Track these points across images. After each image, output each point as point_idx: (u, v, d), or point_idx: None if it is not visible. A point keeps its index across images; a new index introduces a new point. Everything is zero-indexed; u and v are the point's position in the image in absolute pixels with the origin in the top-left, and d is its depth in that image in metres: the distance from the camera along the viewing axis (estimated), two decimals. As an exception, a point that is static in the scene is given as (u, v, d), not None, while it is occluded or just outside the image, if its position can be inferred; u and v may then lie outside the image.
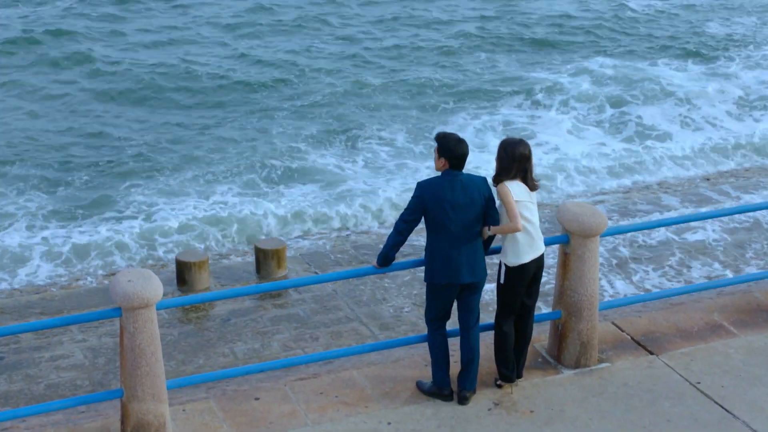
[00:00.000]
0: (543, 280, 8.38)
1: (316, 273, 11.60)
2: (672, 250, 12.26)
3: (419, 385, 8.10)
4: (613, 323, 9.13)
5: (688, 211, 13.54)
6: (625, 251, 12.21)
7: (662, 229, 12.64)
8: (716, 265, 11.91)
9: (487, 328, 8.15)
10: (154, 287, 7.08)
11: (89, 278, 12.21)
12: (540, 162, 15.40)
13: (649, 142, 16.87)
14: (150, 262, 12.65)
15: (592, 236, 8.11)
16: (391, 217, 13.65)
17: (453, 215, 7.49)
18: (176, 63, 20.45)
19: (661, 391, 8.11)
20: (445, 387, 7.94)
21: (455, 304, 7.83)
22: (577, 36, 22.87)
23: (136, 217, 13.73)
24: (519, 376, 8.20)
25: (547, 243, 8.13)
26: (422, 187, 7.59)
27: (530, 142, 8.26)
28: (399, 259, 8.84)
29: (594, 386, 8.19)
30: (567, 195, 14.87)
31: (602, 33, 23.21)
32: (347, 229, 13.69)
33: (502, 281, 7.84)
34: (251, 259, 11.98)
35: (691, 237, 12.60)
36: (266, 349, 9.93)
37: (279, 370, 8.54)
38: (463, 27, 23.37)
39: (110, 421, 7.68)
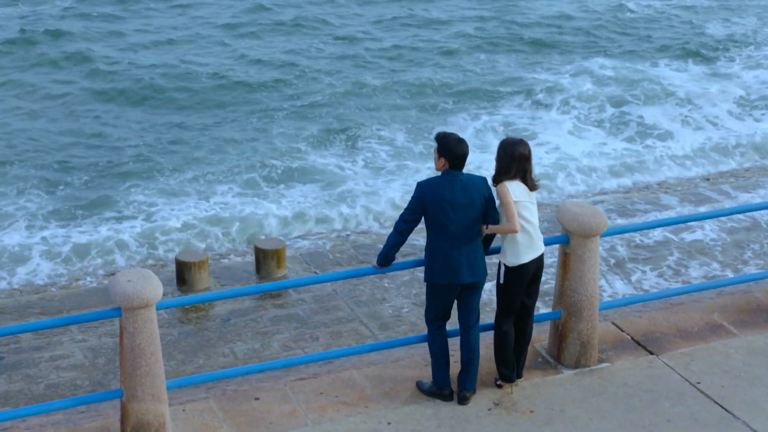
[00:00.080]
0: (542, 279, 8.37)
1: (315, 273, 11.59)
2: (670, 250, 12.27)
3: (419, 385, 8.09)
4: (613, 323, 9.13)
5: (687, 211, 13.55)
6: (622, 251, 12.21)
7: (660, 229, 12.63)
8: (714, 264, 11.91)
9: (487, 328, 8.15)
10: (154, 287, 7.07)
11: (89, 278, 12.21)
12: (540, 162, 15.40)
13: (649, 142, 16.88)
14: (150, 261, 12.64)
15: (592, 236, 8.11)
16: (393, 218, 13.65)
17: (453, 215, 7.49)
18: (176, 63, 20.46)
19: (661, 391, 8.11)
20: (445, 387, 7.94)
21: (455, 304, 7.82)
22: (577, 36, 22.87)
23: (136, 217, 13.73)
24: (519, 376, 8.19)
25: (547, 243, 8.13)
26: (422, 187, 7.58)
27: (531, 143, 8.26)
28: (399, 259, 8.83)
29: (594, 386, 8.18)
30: (567, 195, 14.87)
31: (602, 33, 23.21)
32: (347, 229, 13.69)
33: (501, 281, 7.84)
34: (251, 259, 11.98)
35: (689, 237, 12.60)
36: (266, 349, 9.93)
37: (279, 370, 8.54)
38: (462, 27, 23.38)
39: (110, 421, 7.68)
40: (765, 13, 25.36)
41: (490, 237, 7.84)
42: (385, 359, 8.68)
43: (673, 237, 12.57)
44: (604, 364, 8.48)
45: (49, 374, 9.54)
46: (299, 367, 8.76)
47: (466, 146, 7.58)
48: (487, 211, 7.61)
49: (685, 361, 8.53)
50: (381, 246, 7.99)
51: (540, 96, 18.71)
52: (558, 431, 7.61)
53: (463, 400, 7.91)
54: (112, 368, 9.58)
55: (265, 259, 11.50)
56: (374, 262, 7.83)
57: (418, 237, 11.63)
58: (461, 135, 7.82)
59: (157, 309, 7.23)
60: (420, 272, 10.80)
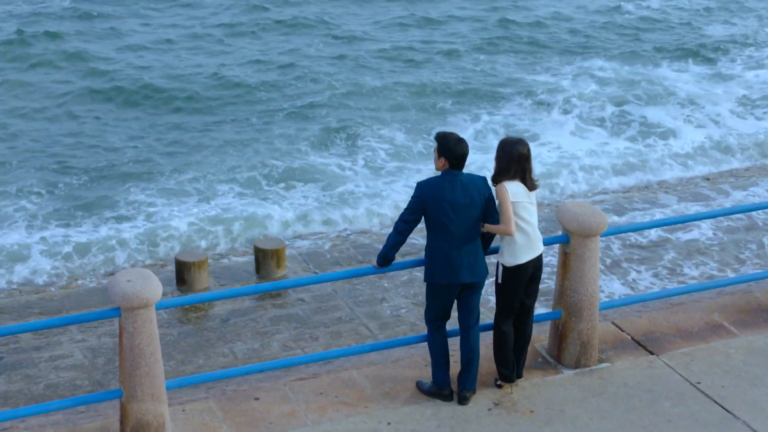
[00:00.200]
0: (542, 278, 8.36)
1: (315, 273, 11.59)
2: (666, 250, 12.26)
3: (419, 385, 8.08)
4: (613, 323, 9.12)
5: (686, 210, 13.54)
6: (618, 251, 12.21)
7: (656, 228, 12.62)
8: (711, 264, 11.91)
9: (486, 328, 8.14)
10: (154, 287, 7.07)
11: (88, 278, 12.20)
12: (542, 161, 15.40)
13: (651, 141, 16.87)
14: (149, 261, 12.64)
15: (593, 236, 8.10)
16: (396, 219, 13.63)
17: (453, 215, 7.48)
18: (176, 64, 20.45)
19: (662, 391, 8.10)
20: (445, 387, 7.93)
21: (455, 304, 7.81)
22: (576, 37, 22.86)
23: (135, 218, 13.73)
24: (519, 376, 8.18)
25: (547, 243, 8.12)
26: (422, 187, 7.57)
27: (532, 143, 8.27)
28: (398, 258, 8.82)
29: (594, 386, 8.17)
30: (568, 194, 14.86)
31: (603, 34, 23.20)
32: (347, 228, 13.68)
33: (499, 281, 7.83)
34: (251, 258, 11.97)
35: (685, 236, 12.60)
36: (266, 349, 9.92)
37: (279, 370, 8.53)
38: (462, 28, 23.37)
39: (110, 422, 7.67)
40: (765, 13, 25.35)
41: (490, 236, 7.83)
42: (385, 359, 8.67)
43: (669, 236, 12.57)
44: (604, 364, 8.47)
45: (49, 374, 9.53)
46: (299, 367, 8.75)
47: (466, 146, 7.57)
48: (486, 210, 7.60)
49: (685, 361, 8.53)
50: (380, 246, 7.98)
51: (541, 96, 18.71)
52: (558, 431, 7.61)
53: (463, 400, 7.90)
54: (112, 368, 9.58)
55: (265, 259, 11.50)
56: (374, 261, 7.83)
57: (418, 237, 11.63)
58: (461, 135, 7.80)
59: (157, 309, 7.22)
60: (419, 272, 10.79)
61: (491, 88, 19.14)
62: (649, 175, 15.66)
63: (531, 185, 7.70)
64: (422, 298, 10.52)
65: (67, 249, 12.75)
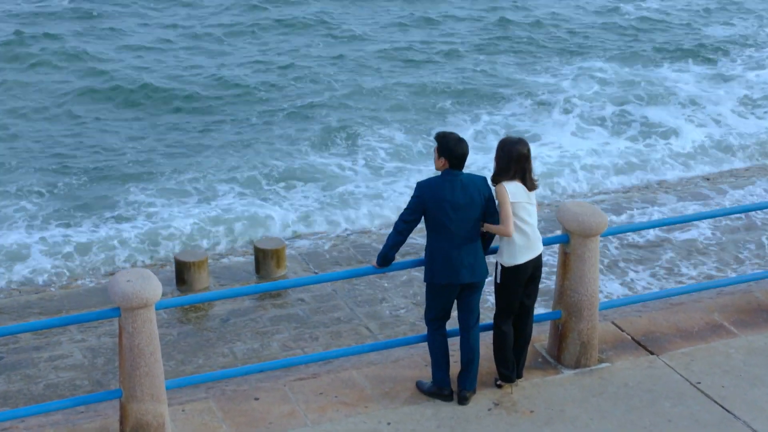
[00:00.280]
0: (542, 278, 8.36)
1: (315, 273, 11.58)
2: (664, 249, 12.26)
3: (419, 385, 8.08)
4: (613, 323, 9.12)
5: (684, 209, 13.54)
6: (615, 251, 12.20)
7: (655, 228, 12.62)
8: (709, 264, 11.90)
9: (486, 328, 8.13)
10: (153, 287, 7.06)
11: (88, 278, 12.20)
12: (543, 161, 15.40)
13: (652, 140, 16.87)
14: (149, 261, 12.63)
15: (593, 236, 8.10)
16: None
17: (453, 215, 7.47)
18: (176, 64, 20.44)
19: (662, 392, 8.10)
20: (445, 387, 7.92)
21: (455, 304, 7.81)
22: (576, 38, 22.85)
23: (135, 218, 13.72)
24: (519, 376, 8.18)
25: (547, 243, 8.12)
26: (422, 187, 7.57)
27: (533, 143, 8.27)
28: (398, 258, 8.82)
29: (594, 386, 8.17)
30: (568, 194, 14.86)
31: (602, 35, 23.20)
32: (347, 229, 13.68)
33: (498, 281, 7.82)
34: (250, 258, 11.97)
35: (684, 236, 12.59)
36: (266, 349, 9.92)
37: (278, 370, 8.52)
38: (462, 28, 23.36)
39: (109, 422, 7.67)
40: (765, 13, 25.35)
41: (490, 236, 7.82)
42: (385, 359, 8.67)
43: (667, 236, 12.56)
44: (604, 364, 8.47)
45: (48, 374, 9.53)
46: (299, 367, 8.75)
47: (466, 146, 7.56)
48: (486, 210, 7.59)
49: (685, 361, 8.52)
50: (380, 246, 7.98)
51: (541, 97, 18.70)
52: (558, 431, 7.60)
53: (463, 400, 7.90)
54: (112, 368, 9.57)
55: (265, 258, 11.49)
56: (374, 261, 7.82)
57: (418, 237, 11.62)
58: (461, 136, 7.80)
59: (157, 309, 7.21)
60: (419, 272, 10.79)
61: (491, 89, 19.14)
62: (650, 174, 15.66)
63: (531, 185, 7.69)
64: (422, 298, 10.52)
65: (67, 249, 12.75)
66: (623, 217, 13.28)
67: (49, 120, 17.50)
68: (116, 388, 7.75)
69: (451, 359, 7.96)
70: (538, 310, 8.74)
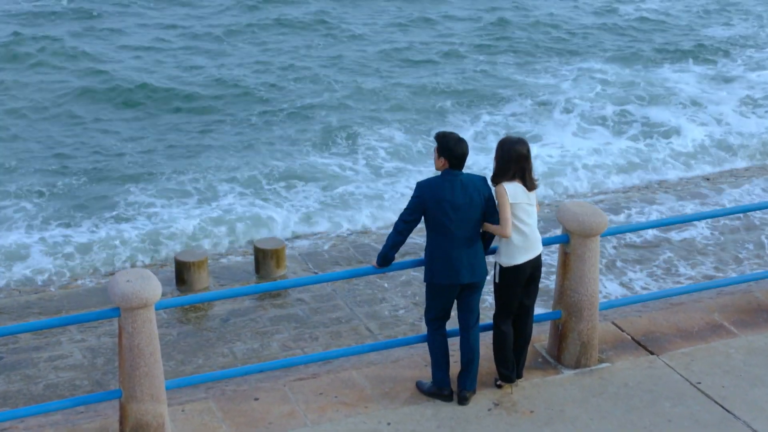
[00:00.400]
0: (542, 278, 8.35)
1: (315, 273, 11.58)
2: (663, 249, 12.25)
3: (419, 386, 8.07)
4: (614, 323, 9.12)
5: (682, 209, 13.54)
6: (613, 250, 12.20)
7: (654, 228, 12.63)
8: (708, 264, 11.90)
9: (486, 328, 8.13)
10: (153, 287, 7.06)
11: (88, 278, 12.20)
12: (544, 161, 15.40)
13: (652, 141, 16.87)
14: (149, 261, 12.63)
15: (593, 236, 8.09)
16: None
17: (453, 215, 7.47)
18: (176, 65, 20.44)
19: (662, 392, 8.09)
20: (445, 387, 7.92)
21: (455, 304, 7.81)
22: (578, 38, 22.86)
23: (135, 218, 13.72)
24: (519, 376, 8.17)
25: (547, 243, 8.11)
26: (422, 187, 7.56)
27: (534, 144, 8.26)
28: (398, 258, 8.82)
29: (594, 386, 8.17)
30: (569, 194, 14.86)
31: (604, 36, 23.20)
32: (347, 229, 13.67)
33: (497, 281, 7.82)
34: (250, 258, 11.96)
35: (681, 235, 12.59)
36: (265, 349, 9.91)
37: (278, 371, 8.52)
38: (461, 29, 23.36)
39: (109, 422, 7.66)
40: (765, 14, 25.36)
41: (490, 236, 7.82)
42: (385, 359, 8.66)
43: (665, 236, 12.55)
44: (604, 364, 8.46)
45: (48, 374, 9.52)
46: (298, 368, 8.75)
47: (466, 146, 7.56)
48: (486, 210, 7.59)
49: (685, 361, 8.52)
50: (380, 246, 7.97)
51: (541, 97, 18.70)
52: (558, 431, 7.60)
53: (463, 401, 7.89)
54: (111, 368, 9.57)
55: (265, 258, 11.49)
56: (374, 261, 7.82)
57: (418, 237, 11.61)
58: (461, 136, 7.79)
59: (156, 309, 7.21)
60: (418, 272, 10.78)
61: (491, 89, 19.14)
62: (651, 174, 15.66)
63: (531, 185, 7.68)
64: (422, 298, 10.52)
65: (67, 249, 12.74)
66: (621, 217, 13.29)
67: (48, 120, 17.49)
68: (116, 389, 7.74)
69: (451, 359, 7.96)
70: (538, 310, 8.75)
